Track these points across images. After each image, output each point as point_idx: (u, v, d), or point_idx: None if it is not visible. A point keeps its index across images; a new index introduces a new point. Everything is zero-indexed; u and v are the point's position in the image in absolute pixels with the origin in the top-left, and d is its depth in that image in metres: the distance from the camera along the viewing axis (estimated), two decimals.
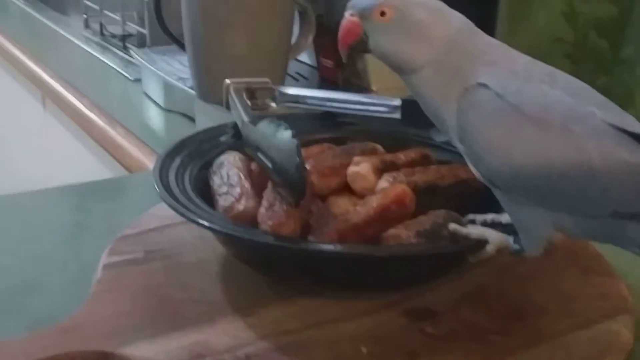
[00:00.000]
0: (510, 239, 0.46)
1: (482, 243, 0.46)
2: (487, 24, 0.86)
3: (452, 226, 0.47)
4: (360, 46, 0.47)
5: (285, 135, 0.48)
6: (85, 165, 0.99)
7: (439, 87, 0.45)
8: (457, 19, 0.46)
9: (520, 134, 0.42)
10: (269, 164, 0.49)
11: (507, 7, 0.87)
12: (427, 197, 0.53)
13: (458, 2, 0.54)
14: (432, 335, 0.46)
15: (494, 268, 0.53)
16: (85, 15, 1.24)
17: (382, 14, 0.45)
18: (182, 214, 0.47)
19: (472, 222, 0.49)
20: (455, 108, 0.44)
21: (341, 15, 0.50)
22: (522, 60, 0.45)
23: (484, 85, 0.43)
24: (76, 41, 1.19)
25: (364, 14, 0.46)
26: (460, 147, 0.45)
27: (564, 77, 0.44)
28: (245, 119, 0.57)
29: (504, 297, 0.51)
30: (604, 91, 0.44)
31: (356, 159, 0.55)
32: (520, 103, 0.42)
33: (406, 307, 0.49)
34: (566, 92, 0.43)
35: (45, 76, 1.05)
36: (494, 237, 0.46)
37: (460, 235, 0.46)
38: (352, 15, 0.46)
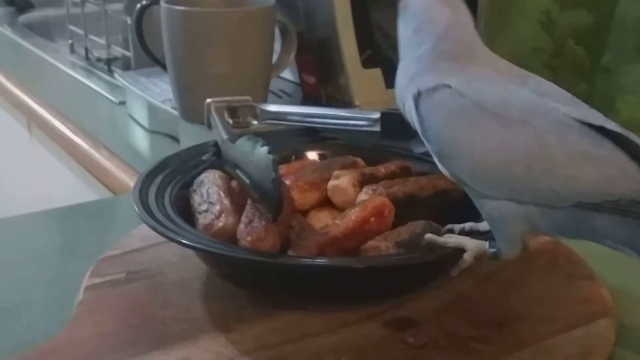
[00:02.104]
0: (486, 244, 0.46)
1: (459, 251, 0.46)
2: None
3: (428, 236, 0.47)
4: None
5: (262, 151, 0.48)
6: (71, 189, 0.99)
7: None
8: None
9: (480, 128, 0.43)
10: (247, 180, 0.49)
11: (486, 18, 0.88)
12: (407, 208, 0.53)
13: None
14: (413, 345, 0.47)
15: (475, 276, 0.53)
16: (70, 41, 1.24)
17: None
18: (161, 233, 0.47)
19: (451, 231, 0.49)
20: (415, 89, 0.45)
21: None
22: (500, 64, 0.46)
23: (447, 86, 0.44)
24: (62, 66, 1.19)
25: None
26: (427, 146, 0.46)
27: (535, 80, 0.46)
28: (225, 136, 0.57)
29: (485, 305, 0.51)
30: (584, 98, 0.45)
31: (336, 172, 0.56)
32: (482, 100, 0.43)
33: (387, 317, 0.49)
34: (534, 91, 0.44)
35: (31, 102, 1.06)
36: (471, 244, 0.46)
37: (437, 244, 0.47)
38: None
